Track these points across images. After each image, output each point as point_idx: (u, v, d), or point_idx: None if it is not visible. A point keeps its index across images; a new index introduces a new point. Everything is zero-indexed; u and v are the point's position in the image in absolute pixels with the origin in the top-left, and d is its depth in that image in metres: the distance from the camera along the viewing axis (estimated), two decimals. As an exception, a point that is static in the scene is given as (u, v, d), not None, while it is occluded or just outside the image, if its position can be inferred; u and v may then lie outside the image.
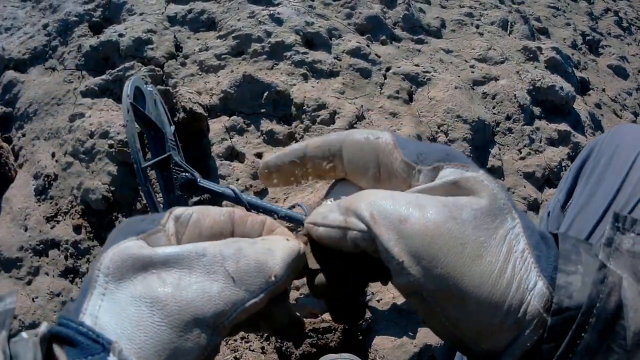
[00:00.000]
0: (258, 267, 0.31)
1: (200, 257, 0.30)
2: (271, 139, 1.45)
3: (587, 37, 2.59)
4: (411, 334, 1.29)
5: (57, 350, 0.27)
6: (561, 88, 1.88)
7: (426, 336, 1.27)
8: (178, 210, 0.33)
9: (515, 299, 0.30)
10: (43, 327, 0.27)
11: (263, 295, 0.30)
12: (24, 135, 1.76)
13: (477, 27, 2.06)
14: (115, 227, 0.34)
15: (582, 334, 0.28)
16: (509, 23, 2.14)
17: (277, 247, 0.32)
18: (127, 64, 1.62)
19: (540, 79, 1.88)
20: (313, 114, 1.47)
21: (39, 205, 1.59)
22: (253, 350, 1.26)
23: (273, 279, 0.31)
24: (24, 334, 0.27)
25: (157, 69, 1.61)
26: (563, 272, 0.30)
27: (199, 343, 0.28)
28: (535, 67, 1.97)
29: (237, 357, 1.24)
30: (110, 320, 0.28)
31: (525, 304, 0.30)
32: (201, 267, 0.30)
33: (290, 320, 0.36)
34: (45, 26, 1.93)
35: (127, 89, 1.27)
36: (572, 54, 2.35)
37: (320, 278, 0.35)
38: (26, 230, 1.56)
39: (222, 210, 0.34)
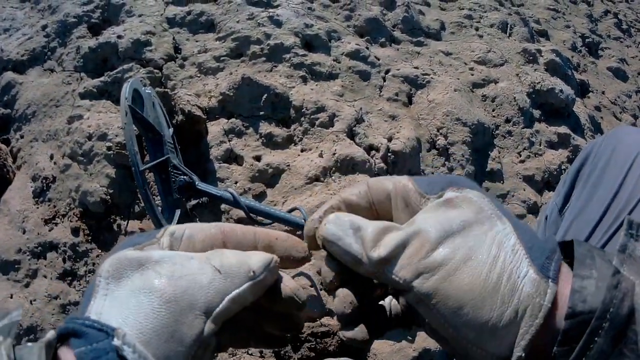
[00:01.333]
0: (239, 263, 0.36)
1: (190, 259, 0.35)
2: (270, 142, 1.45)
3: (587, 40, 2.59)
4: (410, 338, 1.28)
5: (63, 350, 0.29)
6: (561, 91, 1.87)
7: (425, 340, 1.26)
8: (172, 228, 0.38)
9: (507, 288, 0.32)
10: (49, 334, 0.30)
11: (246, 287, 0.35)
12: (22, 137, 1.76)
13: (477, 29, 2.06)
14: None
15: (596, 339, 0.29)
16: (509, 25, 2.14)
17: (253, 254, 0.38)
18: (125, 66, 1.62)
19: (540, 82, 1.87)
20: (312, 116, 1.47)
21: (37, 208, 1.59)
22: (252, 354, 1.25)
23: (252, 273, 0.35)
24: (29, 343, 0.29)
25: (155, 71, 1.61)
26: (578, 277, 0.31)
27: (193, 328, 0.31)
28: (535, 70, 1.96)
29: (235, 360, 1.23)
30: (112, 312, 0.31)
31: (518, 291, 0.31)
32: (191, 265, 0.34)
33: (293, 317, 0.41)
34: (44, 27, 1.92)
35: (125, 91, 1.27)
36: (572, 57, 2.35)
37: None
38: (24, 232, 1.55)
39: (212, 224, 0.39)
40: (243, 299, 0.35)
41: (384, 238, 0.35)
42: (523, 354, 0.30)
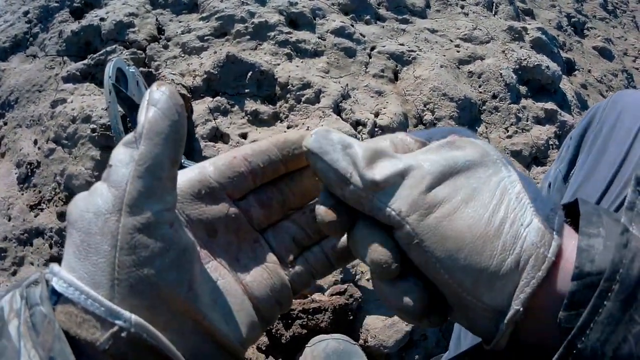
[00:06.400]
0: None
1: None
2: (256, 119, 1.44)
3: (572, 19, 2.60)
4: (402, 313, 1.28)
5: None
6: (547, 67, 1.88)
7: (417, 314, 1.26)
8: None
9: (510, 234, 0.29)
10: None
11: None
12: (5, 124, 1.73)
13: (462, 7, 2.06)
14: None
15: (605, 302, 0.27)
16: (494, 4, 2.14)
17: None
18: (108, 48, 1.60)
19: (526, 58, 1.88)
20: (298, 93, 1.46)
21: (22, 194, 1.57)
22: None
23: None
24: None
25: (139, 52, 1.59)
26: (584, 235, 0.29)
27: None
28: (521, 47, 1.97)
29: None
30: None
31: (521, 239, 0.29)
32: None
33: None
34: (25, 13, 1.90)
35: (109, 69, 1.25)
36: (558, 35, 2.36)
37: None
38: (10, 220, 1.53)
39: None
40: None
41: (379, 162, 0.32)
42: (521, 308, 0.28)
